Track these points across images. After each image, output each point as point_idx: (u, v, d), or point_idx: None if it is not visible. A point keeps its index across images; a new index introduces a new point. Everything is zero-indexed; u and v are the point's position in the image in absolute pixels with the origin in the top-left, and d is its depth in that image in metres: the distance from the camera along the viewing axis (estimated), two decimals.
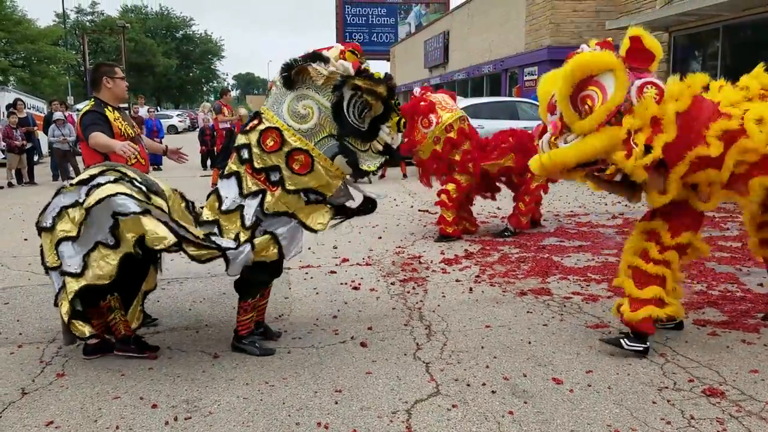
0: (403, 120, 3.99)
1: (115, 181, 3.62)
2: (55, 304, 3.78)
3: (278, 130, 3.71)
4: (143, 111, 18.45)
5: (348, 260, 6.47)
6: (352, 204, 4.10)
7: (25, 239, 7.51)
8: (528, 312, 4.75)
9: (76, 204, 3.66)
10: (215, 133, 14.16)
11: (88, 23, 57.11)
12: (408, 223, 8.56)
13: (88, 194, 3.60)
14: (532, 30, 20.98)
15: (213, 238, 3.74)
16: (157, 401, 3.37)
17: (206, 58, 70.40)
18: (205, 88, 73.09)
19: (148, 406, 3.32)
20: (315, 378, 3.64)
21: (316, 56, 3.71)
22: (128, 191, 3.55)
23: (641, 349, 3.84)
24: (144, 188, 3.72)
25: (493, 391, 3.43)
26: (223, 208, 3.81)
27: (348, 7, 45.06)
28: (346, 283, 5.64)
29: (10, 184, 13.96)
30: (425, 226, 8.38)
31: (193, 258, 3.66)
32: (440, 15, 37.72)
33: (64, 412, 3.28)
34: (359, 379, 3.63)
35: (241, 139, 3.85)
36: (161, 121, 19.83)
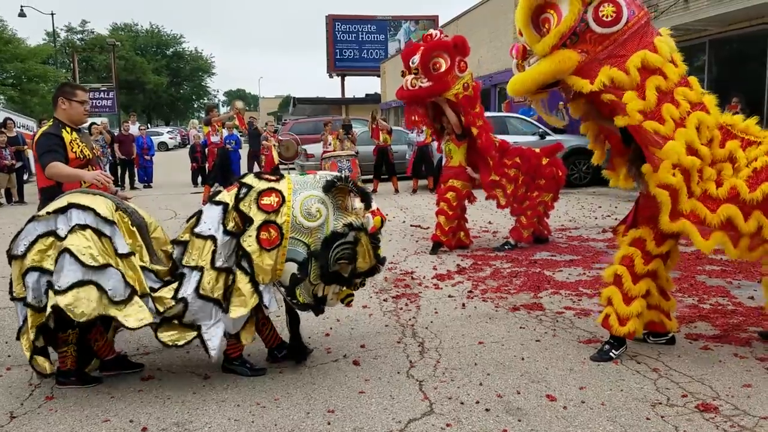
0: (349, 299, 4.08)
1: (96, 228, 3.57)
2: (18, 338, 3.70)
3: (284, 199, 3.75)
4: (134, 129, 18.41)
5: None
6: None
7: None
8: (521, 327, 4.74)
9: (50, 233, 3.57)
10: (206, 150, 14.13)
11: (78, 41, 57.00)
12: (400, 239, 8.56)
13: (71, 231, 3.52)
14: None
15: (180, 291, 3.71)
16: (147, 424, 3.33)
17: (197, 75, 70.44)
18: (195, 105, 73.05)
19: (138, 429, 3.28)
20: (307, 398, 3.61)
21: (364, 194, 3.86)
22: (119, 267, 3.55)
23: (624, 348, 4.11)
24: (126, 219, 3.74)
25: (486, 409, 3.41)
26: (197, 230, 3.78)
27: (338, 24, 45.31)
28: None
29: None
30: (417, 241, 8.38)
31: (164, 344, 3.69)
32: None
33: None
34: (352, 398, 3.60)
35: (250, 180, 3.88)
36: (152, 138, 19.78)
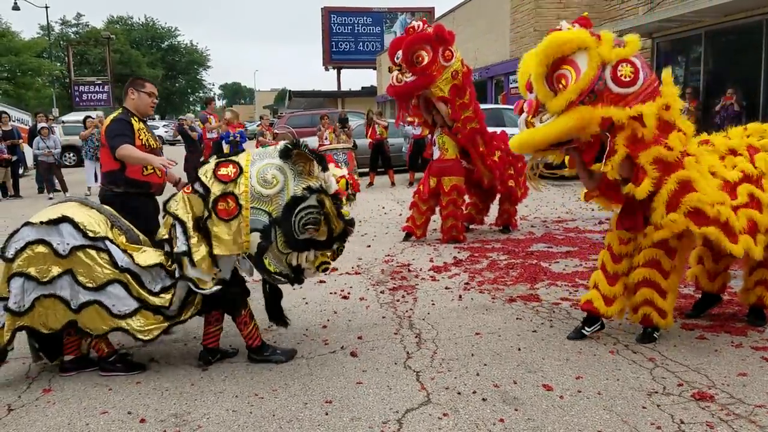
0: (324, 266, 3.94)
1: (92, 245, 3.66)
2: None
3: (241, 170, 3.74)
4: None
5: (337, 269, 6.44)
6: None
7: None
8: (517, 318, 4.76)
9: (40, 242, 3.63)
10: (203, 143, 14.05)
11: (72, 35, 56.70)
12: (397, 231, 8.56)
13: (70, 252, 3.62)
14: (517, 38, 21.12)
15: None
16: (145, 415, 3.34)
17: (192, 68, 70.19)
18: (191, 99, 72.79)
19: (137, 421, 3.29)
20: (305, 389, 3.62)
21: (321, 160, 3.79)
22: (121, 278, 3.68)
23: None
24: (123, 238, 3.85)
25: (483, 399, 3.43)
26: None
27: (333, 16, 45.11)
28: (335, 293, 5.62)
29: None
30: None
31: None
32: None
33: (51, 429, 3.24)
34: (349, 389, 3.61)
35: (212, 161, 3.90)
36: None
